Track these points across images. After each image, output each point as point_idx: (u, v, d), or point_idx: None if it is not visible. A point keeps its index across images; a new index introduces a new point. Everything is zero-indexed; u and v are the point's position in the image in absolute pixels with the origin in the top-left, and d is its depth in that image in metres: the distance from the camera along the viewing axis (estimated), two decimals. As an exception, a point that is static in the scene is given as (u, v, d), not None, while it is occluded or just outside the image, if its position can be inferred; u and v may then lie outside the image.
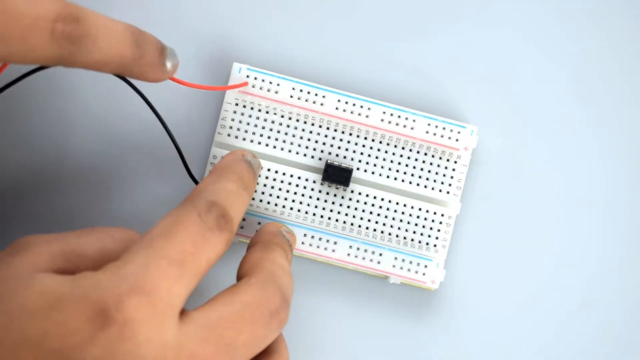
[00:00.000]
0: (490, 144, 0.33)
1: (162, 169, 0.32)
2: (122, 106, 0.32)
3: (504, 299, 0.32)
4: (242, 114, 0.31)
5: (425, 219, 0.32)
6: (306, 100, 0.31)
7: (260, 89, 0.31)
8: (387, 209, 0.31)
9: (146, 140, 0.32)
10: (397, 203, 0.31)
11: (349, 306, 0.32)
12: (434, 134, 0.32)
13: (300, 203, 0.31)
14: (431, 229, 0.32)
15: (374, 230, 0.31)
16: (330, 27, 0.33)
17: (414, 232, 0.31)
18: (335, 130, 0.31)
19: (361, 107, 0.31)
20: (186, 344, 0.22)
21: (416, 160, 0.32)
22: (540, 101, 0.33)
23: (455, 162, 0.32)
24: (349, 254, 0.31)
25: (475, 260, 0.33)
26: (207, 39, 0.32)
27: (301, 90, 0.31)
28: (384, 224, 0.31)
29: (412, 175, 0.32)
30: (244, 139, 0.31)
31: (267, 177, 0.31)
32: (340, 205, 0.31)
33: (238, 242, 0.32)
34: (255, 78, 0.31)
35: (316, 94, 0.31)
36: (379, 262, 0.31)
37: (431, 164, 0.32)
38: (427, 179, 0.32)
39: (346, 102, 0.31)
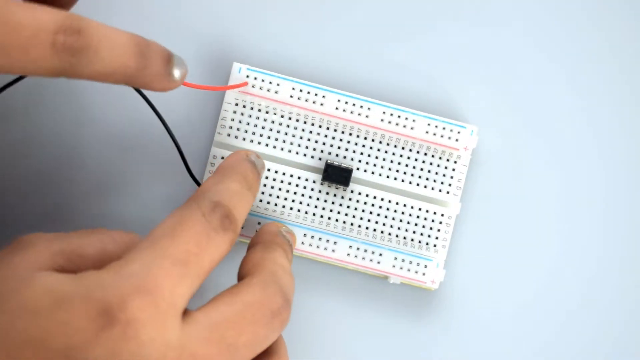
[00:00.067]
0: (490, 144, 0.33)
1: (162, 169, 0.32)
2: (122, 106, 0.32)
3: (504, 299, 0.32)
4: (242, 114, 0.31)
5: (425, 219, 0.32)
6: (306, 100, 0.31)
7: (260, 89, 0.31)
8: (387, 209, 0.31)
9: (146, 140, 0.32)
10: (397, 203, 0.31)
11: (349, 306, 0.32)
12: (434, 134, 0.32)
13: (300, 203, 0.31)
14: (431, 229, 0.32)
15: (374, 230, 0.31)
16: (330, 27, 0.33)
17: (414, 232, 0.31)
18: (335, 130, 0.31)
19: (361, 107, 0.31)
20: (188, 344, 0.22)
21: (416, 160, 0.32)
22: (540, 101, 0.33)
23: (455, 162, 0.32)
24: (349, 254, 0.31)
25: (475, 260, 0.33)
26: (207, 39, 0.32)
27: (301, 90, 0.31)
28: (383, 224, 0.31)
29: (412, 175, 0.32)
30: (244, 139, 0.31)
31: (267, 177, 0.31)
32: (340, 205, 0.31)
33: (238, 242, 0.32)
34: (255, 78, 0.31)
35: (316, 94, 0.31)
36: (379, 262, 0.31)
37: (431, 164, 0.32)
38: (427, 179, 0.32)
39: (346, 102, 0.31)
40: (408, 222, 0.32)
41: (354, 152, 0.31)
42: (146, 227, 0.32)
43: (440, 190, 0.32)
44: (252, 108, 0.31)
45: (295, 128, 0.31)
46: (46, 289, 0.21)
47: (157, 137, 0.32)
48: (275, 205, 0.31)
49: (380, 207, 0.31)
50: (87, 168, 0.32)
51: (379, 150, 0.31)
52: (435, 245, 0.32)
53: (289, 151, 0.31)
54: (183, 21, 0.32)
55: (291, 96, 0.31)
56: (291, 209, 0.31)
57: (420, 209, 0.32)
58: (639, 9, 0.33)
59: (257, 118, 0.31)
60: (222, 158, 0.31)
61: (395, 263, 0.31)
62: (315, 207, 0.31)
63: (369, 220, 0.31)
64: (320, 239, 0.31)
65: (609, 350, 0.33)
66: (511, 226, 0.33)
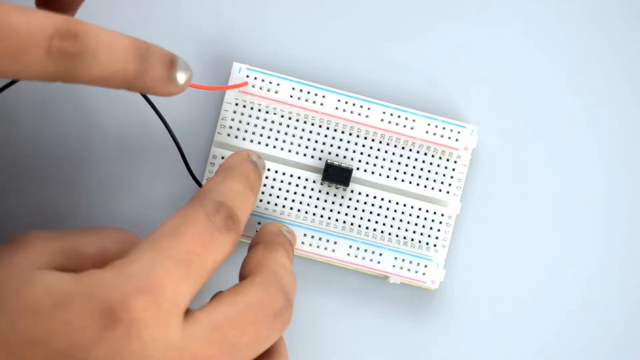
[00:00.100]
0: (490, 144, 0.33)
1: (162, 169, 0.32)
2: (122, 105, 0.32)
3: (504, 298, 0.32)
4: (242, 114, 0.31)
5: (425, 218, 0.32)
6: (306, 100, 0.31)
7: (260, 88, 0.31)
8: (387, 209, 0.31)
9: (146, 139, 0.32)
10: (397, 203, 0.31)
11: (349, 306, 0.32)
12: (434, 134, 0.32)
13: (300, 203, 0.31)
14: (431, 228, 0.32)
15: (374, 230, 0.31)
16: (330, 27, 0.33)
17: (414, 232, 0.31)
18: (335, 130, 0.31)
19: (361, 107, 0.31)
20: (190, 345, 0.22)
21: (416, 160, 0.32)
22: (541, 101, 0.33)
23: (455, 162, 0.32)
24: (349, 254, 0.31)
25: (475, 260, 0.33)
26: (207, 39, 0.32)
27: (301, 90, 0.31)
28: (384, 224, 0.31)
29: (412, 175, 0.32)
30: (244, 139, 0.31)
31: (267, 177, 0.31)
32: (340, 205, 0.31)
33: (239, 242, 0.31)
34: (255, 78, 0.31)
35: (316, 94, 0.31)
36: (379, 262, 0.31)
37: (431, 163, 0.32)
38: (427, 178, 0.32)
39: (346, 102, 0.31)
40: (408, 222, 0.32)
41: (354, 152, 0.31)
42: (147, 226, 0.32)
43: (440, 190, 0.32)
44: (252, 108, 0.31)
45: (295, 128, 0.31)
46: (47, 288, 0.21)
47: (158, 137, 0.32)
48: (275, 205, 0.31)
49: (380, 207, 0.31)
50: (87, 167, 0.32)
51: (379, 150, 0.31)
52: (435, 245, 0.32)
53: (289, 151, 0.31)
54: (183, 21, 0.32)
55: (291, 96, 0.31)
56: (291, 208, 0.31)
57: (420, 209, 0.32)
58: (639, 9, 0.33)
59: (257, 118, 0.31)
60: (222, 158, 0.31)
61: (395, 263, 0.31)
62: (315, 207, 0.31)
63: (369, 220, 0.31)
64: (320, 238, 0.31)
65: (609, 350, 0.33)
66: (511, 226, 0.33)
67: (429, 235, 0.32)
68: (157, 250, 0.22)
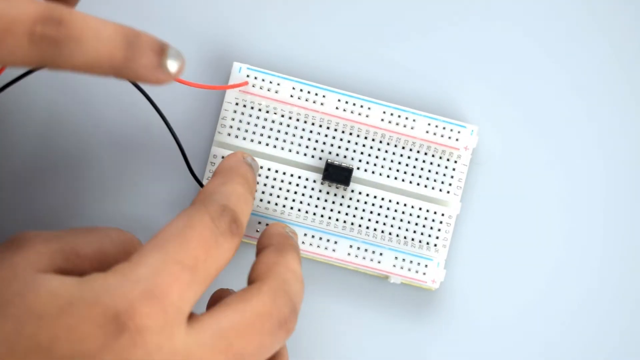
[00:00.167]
0: (490, 144, 0.33)
1: (163, 168, 0.32)
2: (123, 104, 0.32)
3: (505, 298, 0.32)
4: (243, 114, 0.31)
5: (426, 218, 0.32)
6: (306, 100, 0.31)
7: (261, 88, 0.31)
8: (388, 209, 0.31)
9: (147, 139, 0.32)
10: (398, 203, 0.31)
11: (349, 306, 0.32)
12: (434, 134, 0.32)
13: (301, 203, 0.31)
14: (431, 228, 0.32)
15: (375, 229, 0.31)
16: (330, 27, 0.33)
17: (415, 232, 0.31)
18: (336, 130, 0.31)
19: (361, 106, 0.31)
20: (195, 352, 0.22)
21: (416, 159, 0.32)
22: (541, 101, 0.33)
23: (456, 161, 0.32)
24: (349, 254, 0.31)
25: (476, 260, 0.33)
26: (207, 39, 0.32)
27: (301, 90, 0.31)
28: (384, 224, 0.31)
29: (413, 174, 0.32)
30: (244, 139, 0.31)
31: (267, 177, 0.31)
32: (341, 204, 0.31)
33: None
34: (256, 78, 0.31)
35: (316, 94, 0.31)
36: (379, 262, 0.31)
37: (431, 163, 0.32)
38: (428, 178, 0.32)
39: (346, 102, 0.31)
40: (408, 222, 0.31)
41: (355, 151, 0.31)
42: (147, 225, 0.32)
43: (440, 190, 0.32)
44: (252, 107, 0.31)
45: (296, 127, 0.31)
46: (52, 293, 0.21)
47: (158, 136, 0.32)
48: (276, 204, 0.31)
49: (380, 206, 0.31)
50: (88, 167, 0.32)
51: (379, 149, 0.31)
52: (435, 245, 0.32)
53: (290, 151, 0.31)
54: (183, 21, 0.32)
55: (291, 96, 0.31)
56: (291, 208, 0.31)
57: (420, 209, 0.32)
58: None
59: (258, 117, 0.31)
60: (223, 157, 0.31)
61: (395, 263, 0.31)
62: (316, 206, 0.31)
63: (369, 220, 0.31)
64: (320, 238, 0.31)
65: (609, 350, 0.33)
66: (512, 226, 0.33)
67: (430, 235, 0.32)
68: (163, 254, 0.22)
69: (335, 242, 0.31)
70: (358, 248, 0.31)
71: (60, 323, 0.21)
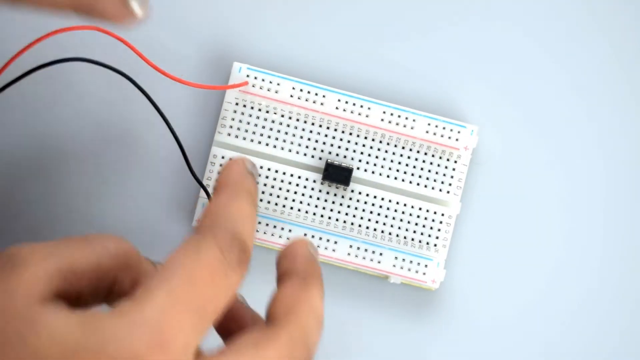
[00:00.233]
0: (490, 144, 0.33)
1: (163, 168, 0.32)
2: (122, 105, 0.32)
3: (504, 298, 0.32)
4: (243, 114, 0.31)
5: (426, 218, 0.32)
6: (306, 100, 0.31)
7: (261, 88, 0.31)
8: (388, 209, 0.31)
9: (146, 139, 0.32)
10: (398, 202, 0.31)
11: (349, 306, 0.32)
12: (434, 134, 0.32)
13: (301, 203, 0.31)
14: (431, 228, 0.32)
15: (374, 229, 0.31)
16: (330, 27, 0.33)
17: (414, 232, 0.31)
18: (336, 130, 0.31)
19: (361, 106, 0.31)
20: None
21: (416, 159, 0.32)
22: (541, 101, 0.33)
23: (456, 161, 0.32)
24: (349, 254, 0.31)
25: (476, 260, 0.33)
26: (207, 39, 0.32)
27: (301, 90, 0.31)
28: (384, 224, 0.31)
29: (413, 174, 0.32)
30: (244, 139, 0.31)
31: (267, 177, 0.31)
32: (341, 204, 0.31)
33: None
34: (256, 77, 0.31)
35: (316, 94, 0.31)
36: (379, 262, 0.31)
37: (431, 163, 0.32)
38: (428, 178, 0.32)
39: (346, 102, 0.31)
40: (408, 222, 0.31)
41: (354, 151, 0.31)
42: (147, 225, 0.32)
43: (440, 190, 0.32)
44: (252, 107, 0.31)
45: (296, 127, 0.31)
46: (54, 337, 0.20)
47: (158, 136, 0.32)
48: (276, 204, 0.31)
49: (380, 206, 0.31)
50: (88, 166, 0.32)
51: (379, 149, 0.31)
52: (435, 245, 0.32)
53: (289, 150, 0.31)
54: (183, 21, 0.32)
55: (291, 96, 0.31)
56: (291, 208, 0.31)
57: (420, 209, 0.32)
58: None
59: (258, 117, 0.31)
60: (223, 157, 0.31)
61: (395, 263, 0.31)
62: (316, 206, 0.31)
63: (369, 220, 0.31)
64: (320, 238, 0.31)
65: (609, 350, 0.33)
66: (512, 226, 0.33)
67: (430, 235, 0.32)
68: (170, 294, 0.21)
69: (335, 242, 0.31)
70: (358, 248, 0.31)
71: None
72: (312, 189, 0.31)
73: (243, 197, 0.24)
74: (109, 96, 0.32)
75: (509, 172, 0.33)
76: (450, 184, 0.32)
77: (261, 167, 0.31)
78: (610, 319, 0.33)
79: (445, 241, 0.32)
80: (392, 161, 0.31)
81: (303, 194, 0.31)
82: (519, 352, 0.32)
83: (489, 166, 0.33)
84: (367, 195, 0.31)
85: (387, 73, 0.33)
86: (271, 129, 0.31)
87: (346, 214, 0.31)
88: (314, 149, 0.31)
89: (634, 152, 0.33)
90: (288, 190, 0.31)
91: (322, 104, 0.31)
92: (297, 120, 0.31)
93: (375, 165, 0.31)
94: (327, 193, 0.31)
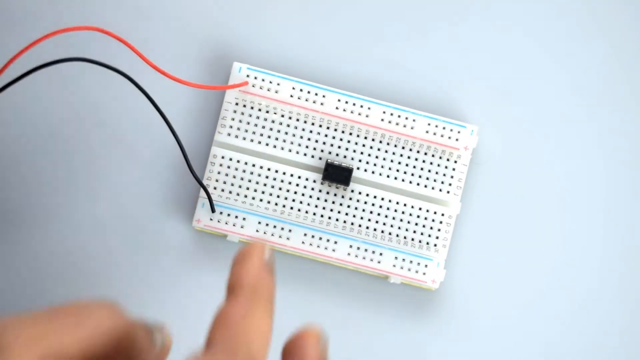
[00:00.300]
0: (490, 144, 0.33)
1: (162, 168, 0.32)
2: (123, 104, 0.32)
3: (505, 298, 0.32)
4: (243, 114, 0.31)
5: (426, 218, 0.32)
6: (306, 100, 0.31)
7: (261, 88, 0.31)
8: (388, 209, 0.31)
9: (147, 138, 0.32)
10: (398, 202, 0.31)
11: (349, 306, 0.32)
12: (434, 134, 0.32)
13: (301, 202, 0.31)
14: (431, 228, 0.32)
15: (374, 229, 0.31)
16: (330, 27, 0.33)
17: (414, 232, 0.31)
18: (336, 130, 0.31)
19: (361, 106, 0.31)
20: None
21: (416, 159, 0.32)
22: (541, 101, 0.33)
23: (456, 161, 0.32)
24: (349, 254, 0.31)
25: (476, 260, 0.32)
26: (207, 39, 0.32)
27: (301, 90, 0.31)
28: (384, 224, 0.31)
29: (413, 174, 0.32)
30: (244, 139, 0.31)
31: (267, 177, 0.31)
32: (341, 204, 0.31)
33: (238, 242, 0.32)
34: (256, 77, 0.31)
35: (316, 94, 0.31)
36: (379, 262, 0.31)
37: (431, 163, 0.32)
38: (428, 178, 0.32)
39: (346, 102, 0.31)
40: (408, 222, 0.31)
41: (354, 151, 0.31)
42: (147, 225, 0.32)
43: (440, 190, 0.32)
44: (252, 107, 0.31)
45: (296, 127, 0.31)
46: None
47: (158, 136, 0.32)
48: (276, 204, 0.31)
49: (380, 206, 0.31)
50: (88, 166, 0.32)
51: (379, 149, 0.31)
52: (435, 245, 0.32)
53: (289, 150, 0.31)
54: (183, 21, 0.32)
55: (291, 96, 0.31)
56: (291, 208, 0.31)
57: (420, 209, 0.32)
58: None
59: (258, 117, 0.31)
60: (223, 157, 0.31)
61: (395, 263, 0.31)
62: (316, 206, 0.31)
63: (369, 220, 0.31)
64: (320, 238, 0.31)
65: (610, 350, 0.33)
66: (512, 226, 0.33)
67: (429, 235, 0.32)
68: None
69: (335, 242, 0.31)
70: (358, 248, 0.31)
71: None
72: (312, 189, 0.31)
73: (262, 307, 0.22)
74: (108, 96, 0.32)
75: (509, 172, 0.33)
76: (450, 184, 0.32)
77: (261, 167, 0.31)
78: (610, 319, 0.33)
79: (445, 241, 0.32)
80: (392, 161, 0.31)
81: (303, 194, 0.31)
82: (519, 352, 0.32)
83: (489, 166, 0.33)
84: (367, 195, 0.31)
85: (387, 73, 0.33)
86: (271, 129, 0.31)
87: (346, 214, 0.31)
88: (314, 149, 0.31)
89: (634, 152, 0.33)
90: (288, 190, 0.31)
91: (322, 104, 0.31)
92: (297, 120, 0.31)
93: (375, 165, 0.31)
94: (327, 193, 0.31)
